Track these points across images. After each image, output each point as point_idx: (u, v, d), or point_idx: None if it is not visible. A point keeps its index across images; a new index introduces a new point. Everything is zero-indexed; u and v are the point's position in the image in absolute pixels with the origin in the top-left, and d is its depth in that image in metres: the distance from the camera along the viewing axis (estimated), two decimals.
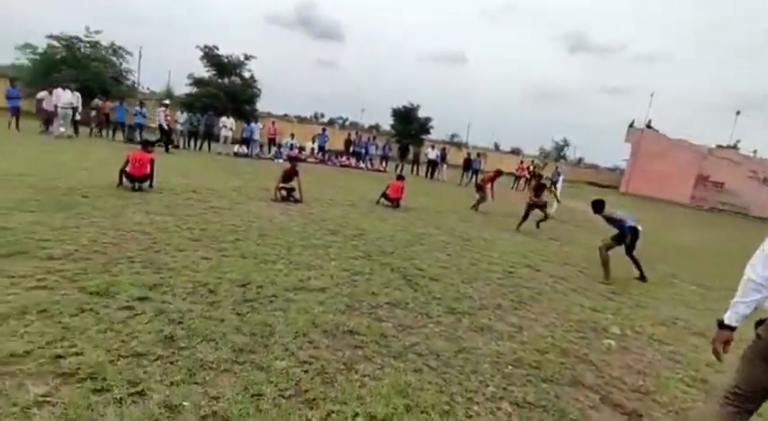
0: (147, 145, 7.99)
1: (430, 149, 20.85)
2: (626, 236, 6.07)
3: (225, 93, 23.00)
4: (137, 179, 7.35)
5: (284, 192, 8.53)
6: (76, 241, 4.25)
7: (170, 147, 14.94)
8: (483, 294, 4.55)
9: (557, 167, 22.42)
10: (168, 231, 5.10)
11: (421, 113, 30.50)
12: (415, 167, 21.27)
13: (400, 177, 10.40)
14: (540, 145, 52.56)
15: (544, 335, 3.71)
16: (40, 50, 19.76)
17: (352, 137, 21.89)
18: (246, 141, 18.37)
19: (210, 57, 23.92)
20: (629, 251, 6.21)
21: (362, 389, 2.51)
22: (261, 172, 12.80)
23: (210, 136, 17.63)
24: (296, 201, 8.47)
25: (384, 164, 20.95)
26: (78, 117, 14.97)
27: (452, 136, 37.14)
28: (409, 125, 29.80)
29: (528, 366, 3.11)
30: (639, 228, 6.19)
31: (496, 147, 46.17)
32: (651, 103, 48.81)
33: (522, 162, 22.67)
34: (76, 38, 20.51)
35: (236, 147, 17.66)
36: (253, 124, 19.10)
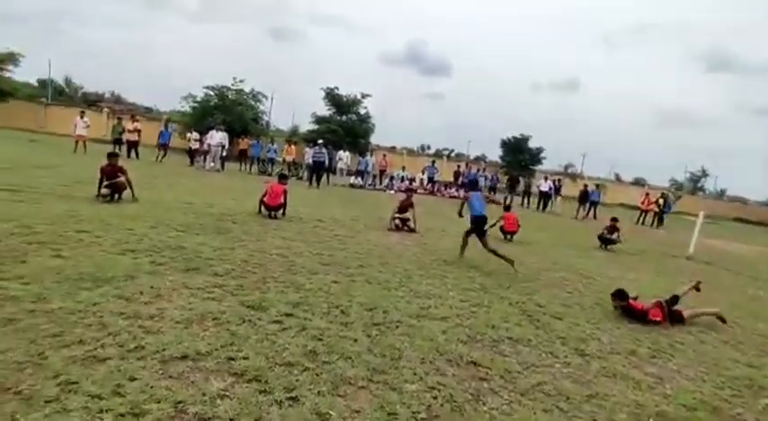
0: (282, 178, 9.04)
1: (542, 181, 20.00)
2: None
3: (343, 128, 24.93)
4: (272, 208, 8.32)
5: (399, 222, 8.91)
6: (233, 261, 4.98)
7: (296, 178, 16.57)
8: (613, 337, 4.24)
9: (665, 197, 20.02)
10: (302, 256, 5.69)
11: (532, 143, 29.60)
12: (526, 199, 20.54)
13: (506, 207, 10.19)
14: (671, 175, 47.08)
15: (691, 390, 3.33)
16: (198, 98, 23.64)
17: (461, 168, 22.00)
18: (361, 173, 19.57)
19: (331, 96, 26.26)
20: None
21: None
22: (375, 202, 13.51)
23: (330, 169, 19.17)
24: (410, 230, 8.78)
25: (492, 195, 20.60)
26: (225, 154, 17.44)
27: (566, 166, 35.29)
28: (519, 155, 29.02)
29: None
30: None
31: (617, 178, 42.45)
32: None
33: (647, 194, 20.44)
34: (225, 87, 24.16)
35: (351, 179, 18.90)
36: (367, 157, 20.32)
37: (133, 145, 16.31)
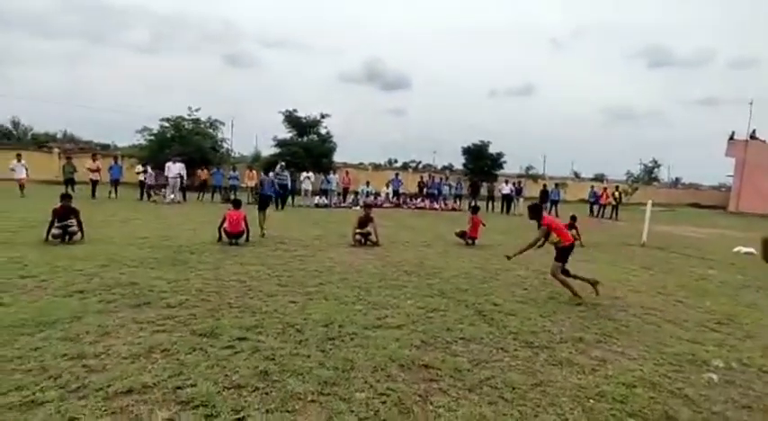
0: (236, 204, 8.99)
1: (504, 184, 20.59)
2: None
3: (304, 149, 24.94)
4: (234, 235, 8.25)
5: (360, 237, 8.99)
6: (188, 291, 4.93)
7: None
8: (563, 328, 4.43)
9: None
10: (260, 279, 5.68)
11: (493, 149, 30.43)
12: (490, 204, 21.04)
13: (475, 208, 10.47)
14: (627, 168, 49.21)
15: (631, 369, 3.53)
16: (154, 131, 23.21)
17: (425, 179, 22.38)
18: (325, 192, 19.61)
19: (291, 119, 26.28)
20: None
21: (438, 419, 2.63)
22: (339, 220, 13.54)
23: (293, 190, 19.10)
24: (373, 244, 8.88)
25: (458, 203, 21.02)
26: (185, 184, 17.17)
27: (528, 168, 36.35)
28: (481, 162, 29.76)
29: (612, 400, 2.99)
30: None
31: (576, 175, 44.04)
32: (751, 112, 43.83)
33: (605, 189, 21.36)
34: (181, 117, 23.84)
35: (315, 199, 18.90)
36: (330, 176, 20.39)
37: (95, 184, 16.01)
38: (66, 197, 7.80)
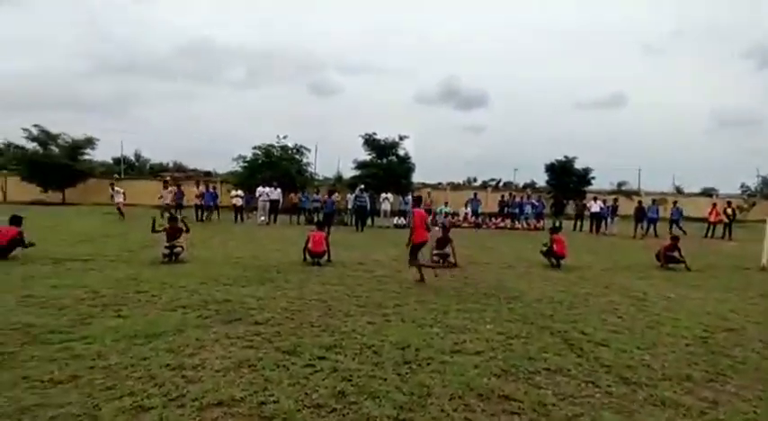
0: (319, 225, 9.41)
1: (593, 202, 19.21)
2: None
3: (384, 171, 25.53)
4: (316, 255, 8.63)
5: (438, 258, 8.90)
6: (274, 309, 5.23)
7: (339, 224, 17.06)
8: (666, 363, 3.96)
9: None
10: (340, 299, 5.85)
11: (579, 164, 28.71)
12: (578, 223, 19.74)
13: (555, 229, 9.90)
14: (742, 181, 43.38)
15: (745, 412, 3.05)
16: (247, 158, 25.33)
17: (506, 198, 21.68)
18: (404, 213, 19.79)
19: (370, 142, 27.15)
20: None
21: None
22: None
23: (373, 211, 19.53)
24: (451, 265, 8.74)
25: (541, 222, 19.98)
26: (279, 207, 18.44)
27: (620, 184, 33.56)
28: (566, 178, 28.16)
29: None
30: None
31: (679, 190, 39.75)
32: None
33: (714, 205, 18.94)
34: (271, 144, 25.77)
35: (395, 220, 19.14)
36: (409, 196, 20.58)
37: (199, 208, 17.77)
38: (173, 219, 8.76)
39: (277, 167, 24.10)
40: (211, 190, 18.77)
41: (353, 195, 18.61)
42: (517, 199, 21.30)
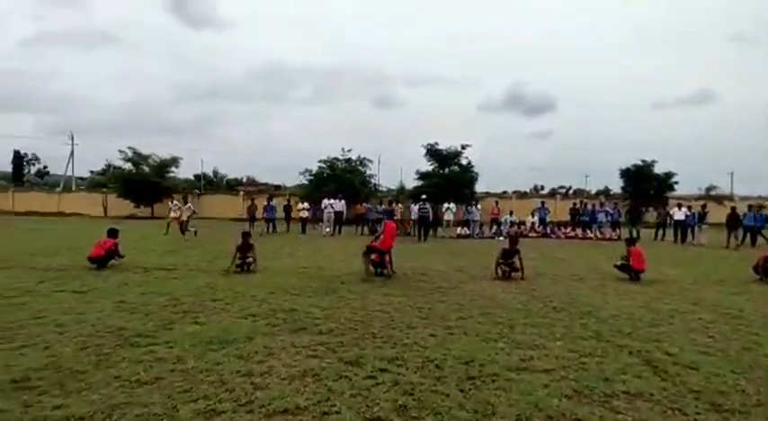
0: (374, 233, 9.52)
1: (676, 209, 17.60)
2: None
3: (446, 181, 25.33)
4: (379, 265, 8.70)
5: (505, 270, 8.60)
6: (337, 319, 5.33)
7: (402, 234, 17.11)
8: (762, 388, 3.49)
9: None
10: (402, 311, 5.84)
11: (661, 168, 26.58)
12: (660, 232, 18.19)
13: (631, 241, 9.18)
14: None
15: None
16: (313, 172, 26.35)
17: (577, 205, 20.53)
18: (468, 223, 19.43)
19: (432, 152, 27.12)
20: None
21: None
22: (482, 251, 13.22)
23: (436, 221, 19.36)
24: (518, 277, 8.40)
25: (616, 231, 18.63)
26: (344, 219, 18.92)
27: (708, 189, 30.44)
28: (645, 184, 26.14)
29: None
30: None
31: None
32: None
33: None
34: (335, 158, 26.63)
35: (458, 230, 18.83)
36: (472, 206, 20.19)
37: (268, 220, 18.66)
38: (246, 234, 9.28)
39: (341, 180, 24.83)
40: (272, 204, 19.56)
41: (416, 206, 18.61)
42: (589, 206, 20.09)
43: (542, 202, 21.33)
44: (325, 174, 26.03)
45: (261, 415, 2.94)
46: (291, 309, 5.79)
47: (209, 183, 51.30)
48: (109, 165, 33.68)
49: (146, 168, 29.22)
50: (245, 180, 56.19)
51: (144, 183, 27.89)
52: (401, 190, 32.56)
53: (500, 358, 4.09)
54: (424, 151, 27.31)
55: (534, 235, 18.77)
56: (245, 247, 8.86)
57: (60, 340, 4.38)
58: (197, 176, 52.04)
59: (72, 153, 46.01)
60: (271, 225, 18.67)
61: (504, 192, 37.81)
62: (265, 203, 19.39)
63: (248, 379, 3.51)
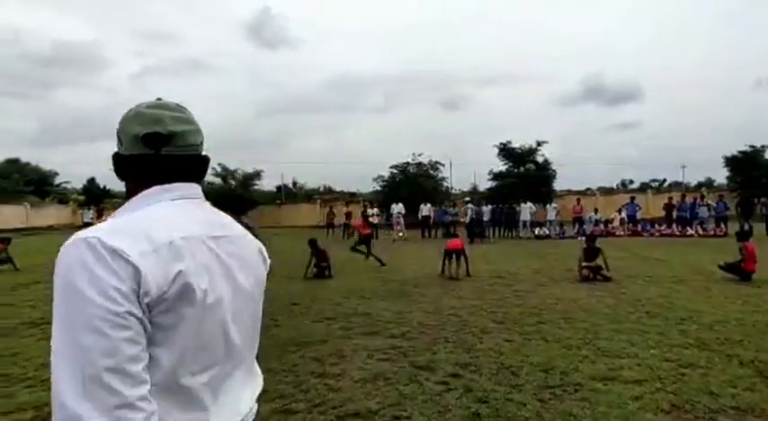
0: (448, 235, 9.39)
1: None
2: None
3: (521, 180, 24.33)
4: (454, 251, 8.55)
5: (589, 272, 8.02)
6: (409, 323, 5.30)
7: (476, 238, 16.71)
8: None
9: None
10: (476, 314, 5.67)
11: None
12: None
13: (744, 234, 8.10)
14: None
15: None
16: (386, 177, 26.71)
17: (674, 200, 18.61)
18: (546, 223, 18.47)
19: (506, 151, 26.21)
20: None
21: None
22: (562, 252, 12.47)
23: (512, 223, 18.65)
24: (604, 279, 7.79)
25: (722, 227, 16.53)
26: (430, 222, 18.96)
27: None
28: (755, 172, 23.02)
29: None
30: None
31: None
32: None
33: None
34: (407, 163, 26.76)
35: (536, 230, 17.96)
36: (548, 206, 19.17)
37: (347, 227, 19.26)
38: (312, 242, 9.46)
39: (413, 184, 24.87)
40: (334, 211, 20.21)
41: (486, 207, 18.15)
42: (689, 200, 18.10)
43: (632, 198, 19.62)
44: (397, 180, 26.24)
45: (333, 416, 3.00)
46: (365, 312, 5.88)
47: (290, 194, 54.15)
48: (202, 181, 36.92)
49: (233, 182, 31.55)
50: (321, 189, 58.61)
51: (231, 196, 30.14)
52: (474, 191, 31.85)
53: (584, 366, 3.80)
54: (496, 151, 26.52)
55: (622, 233, 17.32)
56: (320, 254, 9.17)
57: None
58: (278, 187, 55.20)
59: None
60: (346, 231, 19.23)
61: (587, 190, 35.39)
62: (344, 210, 20.11)
63: (322, 380, 3.61)
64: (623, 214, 18.46)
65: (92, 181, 50.74)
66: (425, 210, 18.49)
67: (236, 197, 29.97)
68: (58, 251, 0.74)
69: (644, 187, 40.41)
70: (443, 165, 27.92)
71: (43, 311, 6.34)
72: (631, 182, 50.32)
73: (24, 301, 7.09)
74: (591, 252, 8.07)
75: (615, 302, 6.20)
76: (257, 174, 32.72)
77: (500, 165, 26.51)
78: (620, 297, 6.55)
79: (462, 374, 3.67)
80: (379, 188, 27.17)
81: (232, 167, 31.90)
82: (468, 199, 18.65)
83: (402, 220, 18.74)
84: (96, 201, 38.20)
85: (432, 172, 27.01)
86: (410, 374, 3.70)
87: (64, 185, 44.62)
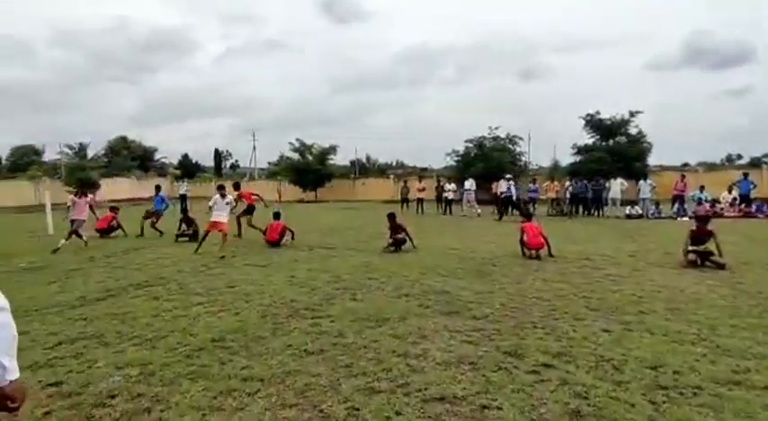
0: (526, 216, 8.81)
1: None
2: None
3: (611, 154, 22.35)
4: (533, 248, 8.05)
5: (696, 257, 7.11)
6: (491, 304, 5.03)
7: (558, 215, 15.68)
8: None
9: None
10: (566, 299, 5.24)
11: None
12: None
13: None
14: None
15: None
16: (460, 152, 25.91)
17: None
18: (639, 201, 16.81)
19: (593, 123, 24.14)
20: None
21: None
22: (660, 233, 11.28)
23: (599, 200, 17.24)
24: (717, 266, 6.86)
25: None
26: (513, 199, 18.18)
27: None
28: None
29: None
30: None
31: None
32: None
33: None
34: (483, 137, 25.70)
35: (627, 209, 16.43)
36: (642, 182, 17.38)
37: (421, 202, 19.06)
38: (391, 216, 9.46)
39: (489, 159, 23.90)
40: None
41: (570, 183, 16.88)
42: None
43: (745, 174, 17.17)
44: (472, 154, 25.37)
45: (417, 399, 2.87)
46: (443, 290, 5.69)
47: (363, 169, 54.89)
48: (282, 156, 38.43)
49: (309, 157, 32.53)
50: (394, 164, 58.69)
51: (308, 170, 31.13)
52: (555, 167, 29.93)
53: (702, 367, 3.31)
54: (582, 122, 24.52)
55: (733, 214, 15.30)
56: (396, 228, 9.09)
57: (247, 308, 5.06)
58: (352, 162, 56.20)
59: (254, 148, 53.83)
60: (420, 206, 19.04)
61: (686, 165, 31.78)
62: (418, 185, 19.79)
63: (404, 359, 3.50)
64: (735, 192, 16.27)
65: (185, 156, 55.01)
66: (503, 185, 17.62)
67: (313, 171, 30.93)
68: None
69: (756, 162, 35.37)
70: (521, 139, 26.50)
71: (148, 274, 6.95)
72: (739, 156, 44.39)
73: (133, 265, 7.84)
74: (700, 234, 7.13)
75: (732, 293, 5.42)
76: (332, 149, 33.34)
77: (586, 138, 24.56)
78: (736, 287, 5.72)
79: (555, 365, 3.37)
80: (453, 163, 26.49)
81: (309, 143, 32.81)
82: (508, 176, 17.63)
83: (473, 196, 18.08)
84: (190, 174, 41.54)
85: (510, 146, 25.75)
86: (497, 360, 3.47)
87: (162, 160, 49.01)
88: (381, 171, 48.89)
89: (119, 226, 12.19)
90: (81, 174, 27.83)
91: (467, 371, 3.28)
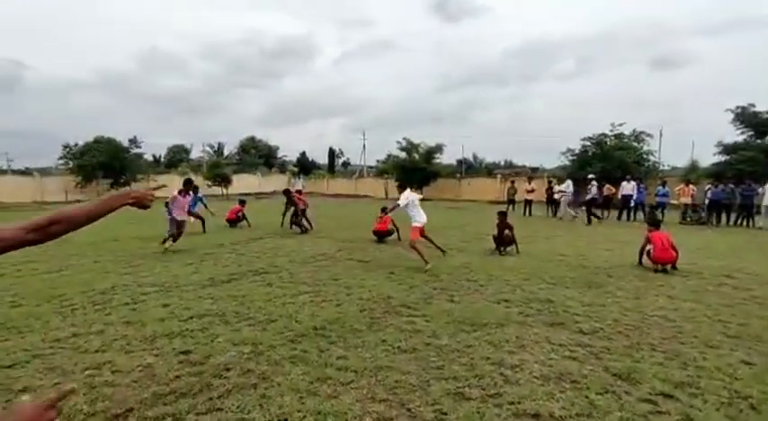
0: (652, 224, 7.77)
1: None
2: None
3: (766, 154, 18.83)
4: (661, 262, 7.12)
5: None
6: (602, 319, 4.59)
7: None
8: None
9: None
10: (696, 321, 4.56)
11: None
12: None
13: None
14: None
15: None
16: (576, 151, 23.97)
17: None
18: None
19: (745, 116, 20.55)
20: None
21: None
22: None
23: (749, 208, 14.65)
24: None
25: None
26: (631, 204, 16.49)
27: None
28: None
29: None
30: None
31: None
32: None
33: None
34: (603, 134, 23.42)
35: None
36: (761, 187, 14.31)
37: (529, 203, 18.11)
38: (502, 214, 9.16)
39: (610, 158, 21.74)
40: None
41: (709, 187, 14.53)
42: None
43: None
44: (590, 153, 23.29)
45: (509, 412, 2.75)
46: (547, 299, 5.34)
47: (470, 168, 53.88)
48: (389, 155, 39.50)
49: (416, 155, 32.88)
50: (502, 163, 56.57)
51: (415, 169, 31.48)
52: (693, 168, 26.08)
53: None
54: (731, 116, 21.00)
55: None
56: (503, 227, 8.75)
57: (347, 300, 5.30)
58: (459, 161, 55.49)
59: (364, 146, 56.06)
60: (528, 207, 18.03)
61: None
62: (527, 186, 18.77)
63: (498, 368, 3.37)
64: None
65: (303, 154, 59.39)
66: (627, 188, 15.89)
67: (419, 170, 31.23)
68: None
69: None
70: (650, 136, 23.53)
71: (266, 262, 7.67)
72: None
73: (253, 253, 8.72)
74: None
75: None
76: (439, 148, 33.26)
77: (735, 135, 21.01)
78: None
79: (677, 396, 2.95)
80: (567, 163, 24.61)
81: (416, 141, 33.15)
82: (591, 176, 15.57)
83: (570, 199, 16.41)
84: (306, 171, 44.88)
85: (635, 144, 23.07)
86: (604, 382, 3.16)
87: (283, 158, 53.67)
88: (489, 170, 47.47)
89: (244, 217, 13.63)
90: (218, 170, 31.69)
91: (567, 390, 3.04)
